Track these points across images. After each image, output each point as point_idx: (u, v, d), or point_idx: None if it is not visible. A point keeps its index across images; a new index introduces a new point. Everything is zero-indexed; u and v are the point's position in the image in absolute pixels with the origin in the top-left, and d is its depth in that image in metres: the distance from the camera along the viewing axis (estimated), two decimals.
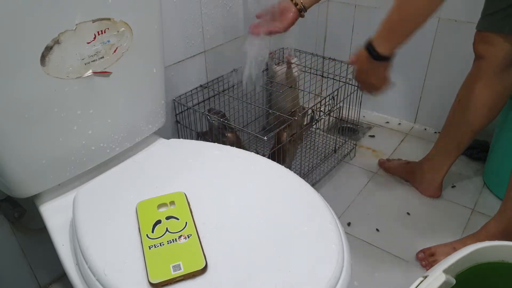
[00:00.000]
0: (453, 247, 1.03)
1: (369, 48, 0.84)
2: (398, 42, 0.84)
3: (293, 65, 1.29)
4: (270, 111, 1.38)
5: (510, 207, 0.96)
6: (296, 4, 1.00)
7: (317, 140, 1.47)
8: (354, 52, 0.88)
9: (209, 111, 1.12)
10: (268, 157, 0.80)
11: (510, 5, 0.92)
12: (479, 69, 1.05)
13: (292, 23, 1.01)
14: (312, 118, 1.24)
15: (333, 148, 1.40)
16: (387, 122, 1.65)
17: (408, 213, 1.21)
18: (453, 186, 1.29)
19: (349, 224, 1.15)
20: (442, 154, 1.19)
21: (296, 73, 1.30)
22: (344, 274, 0.55)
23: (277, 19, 1.02)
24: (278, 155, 1.11)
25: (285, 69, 1.31)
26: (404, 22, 0.81)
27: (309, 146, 1.42)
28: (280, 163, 0.75)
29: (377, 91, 0.93)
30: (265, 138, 1.02)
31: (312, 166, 1.31)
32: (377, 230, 1.15)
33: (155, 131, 0.85)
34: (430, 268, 0.96)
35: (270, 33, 1.02)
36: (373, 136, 1.58)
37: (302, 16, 1.01)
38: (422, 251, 1.06)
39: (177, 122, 1.14)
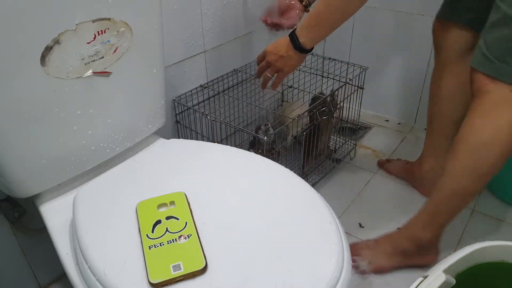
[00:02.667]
0: (376, 241, 1.04)
1: (293, 36, 0.89)
2: (321, 35, 0.88)
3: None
4: (270, 111, 1.38)
5: (431, 198, 0.95)
6: (301, 1, 1.00)
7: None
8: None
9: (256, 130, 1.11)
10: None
11: None
12: (440, 60, 1.06)
13: (299, 19, 1.01)
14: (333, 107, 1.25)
15: (333, 148, 1.40)
16: (387, 122, 1.65)
17: (408, 213, 1.21)
18: None
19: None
20: (435, 149, 1.19)
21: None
22: (344, 274, 0.55)
23: (283, 15, 1.02)
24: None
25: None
26: (328, 16, 0.84)
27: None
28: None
29: (272, 76, 0.97)
30: (265, 138, 1.02)
31: (312, 166, 1.31)
32: (377, 230, 1.15)
33: (155, 131, 0.85)
34: (353, 266, 0.99)
35: (276, 26, 1.02)
36: (373, 136, 1.58)
37: (307, 11, 1.02)
38: (353, 243, 1.05)
39: (177, 122, 1.14)
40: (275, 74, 0.97)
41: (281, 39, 0.91)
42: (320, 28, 0.87)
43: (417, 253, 0.98)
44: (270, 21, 1.03)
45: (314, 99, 1.20)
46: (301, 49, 0.89)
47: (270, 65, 0.96)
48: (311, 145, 1.19)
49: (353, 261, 1.00)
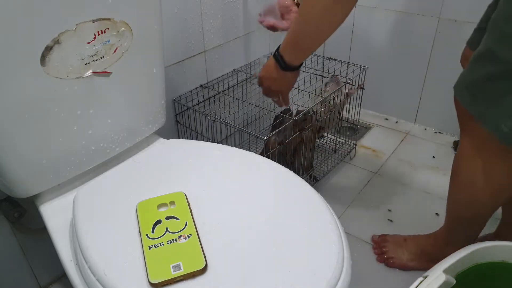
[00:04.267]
0: (404, 239, 1.06)
1: (277, 57, 0.85)
2: (304, 54, 0.85)
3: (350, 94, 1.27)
4: (270, 111, 1.38)
5: (446, 219, 0.96)
6: (297, 4, 1.00)
7: (317, 140, 1.47)
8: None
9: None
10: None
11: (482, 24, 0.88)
12: None
13: None
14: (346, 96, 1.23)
15: (333, 148, 1.40)
16: (387, 121, 1.65)
17: (408, 213, 1.21)
18: None
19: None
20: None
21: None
22: (344, 274, 0.55)
23: (279, 17, 1.02)
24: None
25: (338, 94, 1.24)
26: (306, 38, 0.81)
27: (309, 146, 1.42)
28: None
29: (279, 97, 0.95)
30: (265, 138, 1.02)
31: (312, 166, 1.31)
32: (377, 230, 1.15)
33: (155, 131, 0.85)
34: (378, 252, 1.06)
35: (273, 27, 1.02)
36: (373, 136, 1.58)
37: None
38: (378, 235, 1.11)
39: (177, 122, 1.14)
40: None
41: (270, 62, 0.88)
42: (301, 48, 0.83)
43: (440, 260, 0.99)
44: (266, 23, 1.03)
45: (276, 118, 1.14)
46: (289, 68, 0.86)
47: (269, 90, 0.94)
48: (293, 159, 1.17)
49: (380, 249, 1.07)
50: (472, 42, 0.93)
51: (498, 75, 0.66)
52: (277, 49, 0.86)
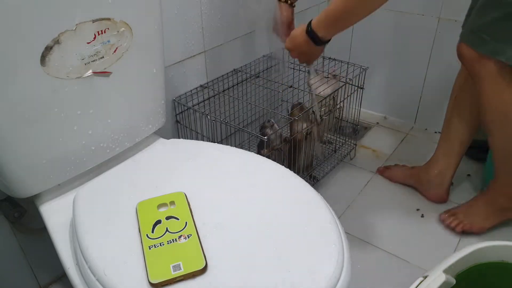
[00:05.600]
0: (470, 204, 1.12)
1: (310, 33, 0.89)
2: (339, 30, 0.90)
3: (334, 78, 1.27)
4: (270, 111, 1.38)
5: (498, 167, 1.03)
6: (291, 4, 1.01)
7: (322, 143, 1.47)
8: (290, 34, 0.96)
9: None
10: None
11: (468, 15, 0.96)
12: None
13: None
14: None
15: (333, 148, 1.40)
16: (387, 121, 1.65)
17: (408, 213, 1.21)
18: (451, 184, 1.29)
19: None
20: (447, 156, 1.19)
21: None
22: (344, 274, 0.55)
23: (282, 29, 1.03)
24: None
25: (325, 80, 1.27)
26: (348, 14, 0.85)
27: (309, 146, 1.42)
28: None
29: (308, 63, 1.04)
30: (265, 138, 1.02)
31: (312, 166, 1.31)
32: (377, 230, 1.15)
33: (155, 131, 0.85)
34: (454, 225, 1.11)
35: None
36: (373, 136, 1.58)
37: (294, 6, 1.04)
38: (444, 212, 1.15)
39: (177, 122, 1.14)
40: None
41: (298, 34, 0.92)
42: (338, 26, 0.88)
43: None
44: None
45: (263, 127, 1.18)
46: (322, 43, 0.91)
47: (296, 57, 0.99)
48: (292, 160, 1.17)
49: (455, 221, 1.11)
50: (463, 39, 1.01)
51: (504, 17, 0.82)
52: (309, 26, 0.89)
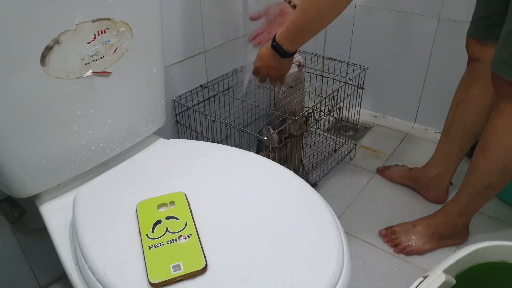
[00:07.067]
0: (413, 224, 1.11)
1: (276, 47, 0.91)
2: (303, 41, 0.90)
3: (301, 67, 1.28)
4: (270, 111, 1.38)
5: (464, 189, 1.00)
6: (294, 6, 1.00)
7: (317, 140, 1.47)
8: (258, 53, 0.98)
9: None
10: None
11: (493, 14, 0.93)
12: (474, 71, 1.03)
13: None
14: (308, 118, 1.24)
15: (333, 148, 1.40)
16: (387, 122, 1.65)
17: (408, 213, 1.21)
18: (451, 184, 1.29)
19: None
20: (445, 159, 1.18)
21: (303, 74, 1.28)
22: (344, 274, 0.55)
23: (275, 21, 1.02)
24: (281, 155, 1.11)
25: (295, 70, 1.28)
26: (309, 24, 0.86)
27: (309, 146, 1.42)
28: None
29: (281, 81, 1.02)
30: (265, 138, 1.02)
31: (312, 166, 1.31)
32: (377, 230, 1.15)
33: (155, 131, 0.85)
34: (392, 244, 1.10)
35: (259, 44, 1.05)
36: (373, 136, 1.58)
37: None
38: (385, 229, 1.14)
39: (177, 122, 1.14)
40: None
41: (265, 52, 0.94)
42: (302, 37, 0.89)
43: (452, 236, 1.08)
44: (264, 42, 1.03)
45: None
46: (288, 55, 0.92)
47: (267, 76, 0.99)
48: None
49: (393, 241, 1.10)
50: (477, 33, 0.99)
51: None
52: (274, 39, 0.91)
